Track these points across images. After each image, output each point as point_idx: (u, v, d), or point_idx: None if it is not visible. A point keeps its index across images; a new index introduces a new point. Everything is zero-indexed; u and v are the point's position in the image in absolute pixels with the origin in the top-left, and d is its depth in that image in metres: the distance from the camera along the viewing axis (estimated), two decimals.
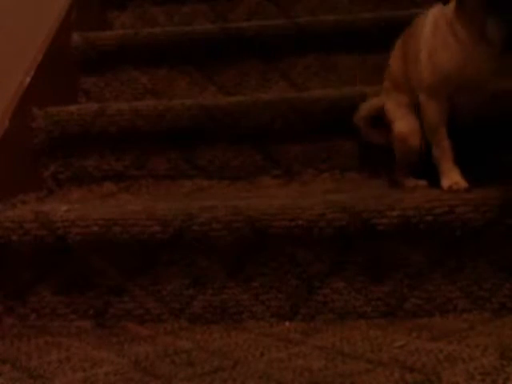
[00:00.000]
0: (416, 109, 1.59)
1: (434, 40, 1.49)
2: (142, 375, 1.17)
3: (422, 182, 1.60)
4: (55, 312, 1.47)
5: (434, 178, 1.54)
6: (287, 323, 1.40)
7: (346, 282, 1.39)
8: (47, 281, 1.47)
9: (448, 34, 1.45)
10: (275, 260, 1.41)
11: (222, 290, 1.42)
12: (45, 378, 1.19)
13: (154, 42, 2.09)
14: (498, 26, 1.37)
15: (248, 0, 2.38)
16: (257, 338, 1.32)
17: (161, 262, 1.44)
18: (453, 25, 1.44)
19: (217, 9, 2.39)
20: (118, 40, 2.11)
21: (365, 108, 1.75)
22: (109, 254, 1.45)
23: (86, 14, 2.25)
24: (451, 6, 1.45)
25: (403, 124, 1.62)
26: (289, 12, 2.34)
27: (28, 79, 1.86)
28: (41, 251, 1.47)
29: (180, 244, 1.43)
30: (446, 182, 1.49)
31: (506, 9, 1.34)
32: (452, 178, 1.49)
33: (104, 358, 1.27)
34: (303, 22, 2.07)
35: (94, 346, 1.33)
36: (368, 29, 2.04)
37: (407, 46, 1.62)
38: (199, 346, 1.29)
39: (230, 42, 2.07)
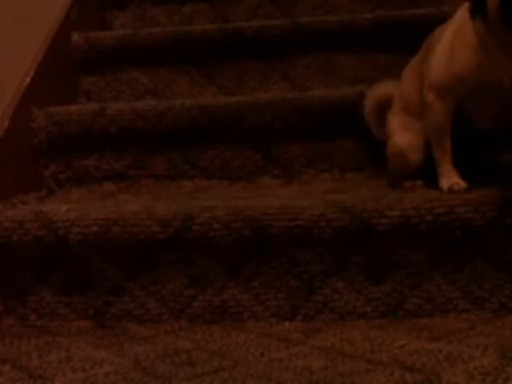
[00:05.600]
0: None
1: (455, 39, 1.46)
2: (141, 375, 1.17)
3: (419, 182, 1.59)
4: (55, 312, 1.47)
5: (430, 178, 1.54)
6: (287, 323, 1.40)
7: (346, 282, 1.39)
8: (47, 281, 1.47)
9: (472, 36, 1.42)
10: (275, 260, 1.41)
11: (222, 290, 1.42)
12: (45, 378, 1.19)
13: (154, 42, 2.10)
14: None
15: (248, 0, 2.38)
16: (257, 338, 1.32)
17: (161, 261, 1.44)
18: (480, 33, 1.41)
19: (217, 9, 2.39)
20: (117, 40, 2.11)
21: (373, 96, 1.73)
22: (109, 254, 1.45)
23: (86, 14, 2.26)
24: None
25: (400, 139, 1.61)
26: (289, 12, 2.34)
27: (28, 79, 1.86)
28: (41, 251, 1.47)
29: (180, 244, 1.43)
30: (445, 183, 1.49)
31: None
32: (451, 178, 1.49)
33: (104, 358, 1.27)
34: (303, 21, 2.07)
35: (94, 346, 1.33)
36: (368, 29, 2.04)
37: (425, 58, 1.57)
38: (199, 346, 1.29)
39: (230, 42, 2.07)
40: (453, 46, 1.46)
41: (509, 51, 1.39)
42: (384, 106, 1.71)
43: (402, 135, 1.62)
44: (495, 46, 1.40)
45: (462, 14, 1.47)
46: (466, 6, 1.47)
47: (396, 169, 1.63)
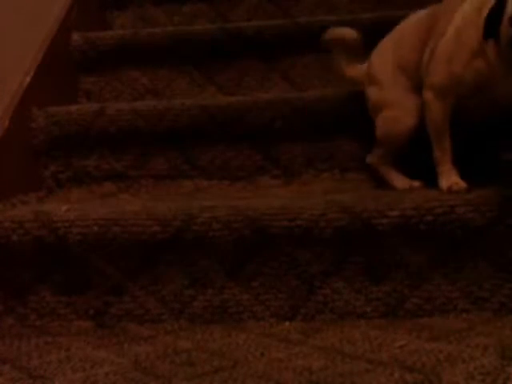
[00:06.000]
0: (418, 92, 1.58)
1: (457, 42, 1.46)
2: (141, 375, 1.17)
3: (416, 183, 1.59)
4: (55, 312, 1.47)
5: (428, 179, 1.54)
6: (287, 323, 1.40)
7: (346, 282, 1.39)
8: (47, 281, 1.47)
9: (476, 45, 1.42)
10: (275, 260, 1.41)
11: (222, 290, 1.42)
12: (45, 378, 1.19)
13: (154, 41, 2.09)
14: None
15: (248, 0, 2.38)
16: (257, 338, 1.32)
17: (161, 261, 1.44)
18: (489, 51, 1.41)
19: (217, 9, 2.39)
20: (118, 40, 2.11)
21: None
22: (109, 254, 1.45)
23: (86, 14, 2.25)
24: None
25: (397, 104, 1.61)
26: (289, 12, 2.34)
27: (28, 79, 1.86)
28: (41, 251, 1.47)
29: (180, 244, 1.43)
30: (445, 183, 1.49)
31: None
32: (451, 178, 1.49)
33: (104, 357, 1.27)
34: (303, 21, 2.07)
35: (94, 346, 1.33)
36: (368, 29, 2.04)
37: (433, 29, 1.55)
38: (199, 346, 1.29)
39: (230, 42, 2.07)
40: (454, 47, 1.46)
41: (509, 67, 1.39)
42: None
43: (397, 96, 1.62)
44: (501, 65, 1.40)
45: (465, 14, 1.47)
46: (471, 4, 1.46)
47: (386, 138, 1.63)
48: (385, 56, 1.68)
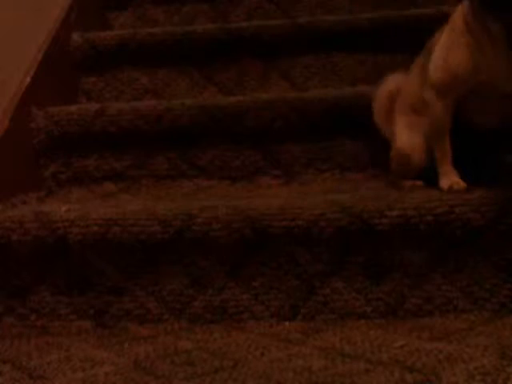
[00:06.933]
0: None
1: (450, 37, 1.47)
2: (142, 375, 1.17)
3: (418, 182, 1.59)
4: (55, 312, 1.47)
5: (430, 178, 1.54)
6: (287, 323, 1.40)
7: (346, 282, 1.39)
8: (47, 281, 1.47)
9: (465, 32, 1.44)
10: (275, 260, 1.41)
11: (221, 290, 1.42)
12: (45, 378, 1.19)
13: (154, 41, 2.10)
14: (499, 25, 1.38)
15: (248, 0, 2.38)
16: (257, 338, 1.32)
17: (161, 262, 1.44)
18: (469, 23, 1.43)
19: (217, 9, 2.40)
20: (117, 40, 2.11)
21: (384, 92, 1.71)
22: (109, 254, 1.45)
23: (86, 14, 2.26)
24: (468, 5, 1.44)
25: (405, 138, 1.61)
26: (289, 12, 2.34)
27: (28, 79, 1.86)
28: (41, 251, 1.47)
29: (180, 244, 1.43)
30: (445, 183, 1.49)
31: (503, 10, 1.35)
32: (451, 178, 1.49)
33: (104, 357, 1.27)
34: (303, 22, 2.08)
35: (94, 346, 1.33)
36: (368, 29, 2.04)
37: (427, 59, 1.57)
38: (199, 346, 1.29)
39: (230, 42, 2.07)
40: (448, 44, 1.48)
41: (494, 36, 1.39)
42: (394, 102, 1.69)
43: (406, 136, 1.62)
44: (482, 33, 1.40)
45: (456, 13, 1.48)
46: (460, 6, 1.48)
47: (398, 169, 1.63)
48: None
